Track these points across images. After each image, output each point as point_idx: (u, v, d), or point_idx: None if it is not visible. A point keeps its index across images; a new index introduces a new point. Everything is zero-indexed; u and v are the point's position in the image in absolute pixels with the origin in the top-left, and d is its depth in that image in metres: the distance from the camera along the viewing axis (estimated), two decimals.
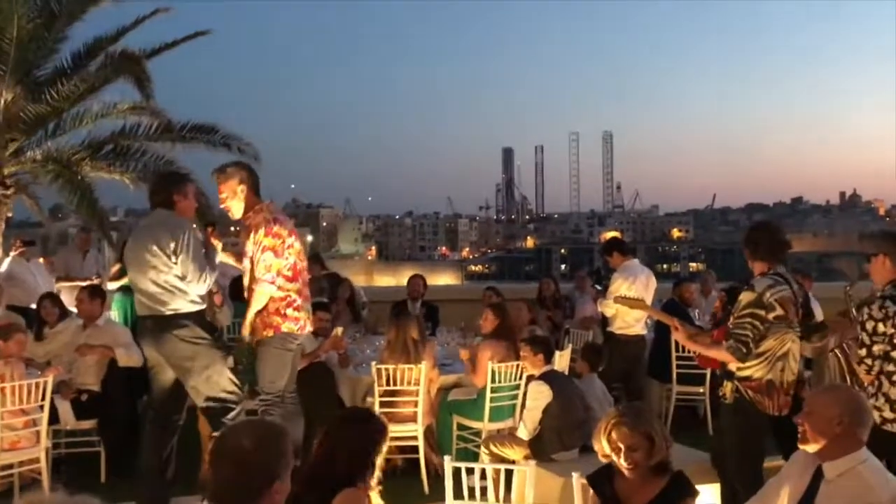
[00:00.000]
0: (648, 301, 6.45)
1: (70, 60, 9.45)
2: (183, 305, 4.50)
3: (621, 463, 2.98)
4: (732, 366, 4.14)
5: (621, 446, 2.97)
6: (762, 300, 4.04)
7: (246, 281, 4.85)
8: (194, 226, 4.66)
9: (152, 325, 4.56)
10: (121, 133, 9.61)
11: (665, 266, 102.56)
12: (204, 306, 4.67)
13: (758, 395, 4.08)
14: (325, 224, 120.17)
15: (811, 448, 2.94)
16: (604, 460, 3.10)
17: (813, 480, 2.94)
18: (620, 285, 6.67)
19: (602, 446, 3.05)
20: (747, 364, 4.08)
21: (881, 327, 3.94)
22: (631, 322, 6.80)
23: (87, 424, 5.72)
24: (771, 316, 4.03)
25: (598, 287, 8.07)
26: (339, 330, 5.99)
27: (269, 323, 4.73)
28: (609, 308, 6.74)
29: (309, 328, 4.94)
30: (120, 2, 9.40)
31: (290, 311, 4.74)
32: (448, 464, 3.71)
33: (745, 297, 4.12)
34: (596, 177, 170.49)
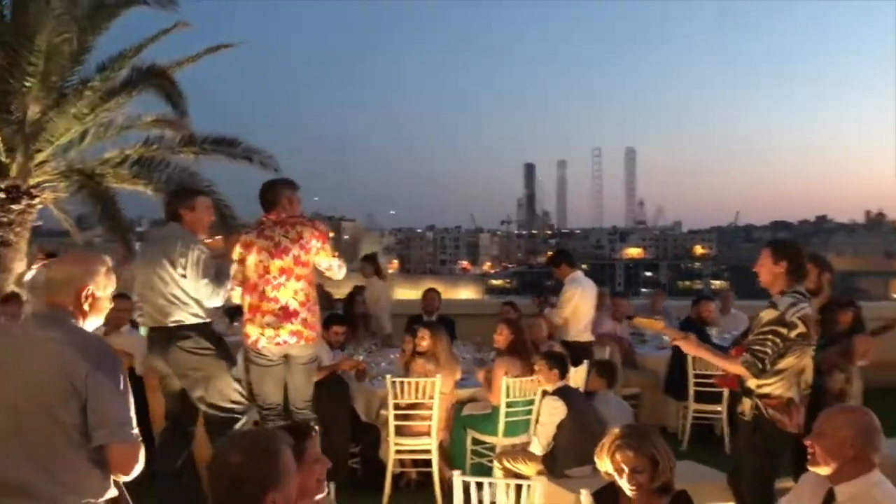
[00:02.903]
0: (591, 310, 7.16)
1: (95, 72, 9.59)
2: (186, 318, 4.56)
3: (625, 484, 2.96)
4: (752, 383, 4.10)
5: (625, 468, 2.94)
6: (784, 318, 4.01)
7: None
8: (202, 238, 4.70)
9: (158, 337, 4.64)
10: (144, 145, 9.74)
11: (688, 283, 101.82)
12: (209, 319, 4.72)
13: (777, 412, 4.05)
14: (346, 237, 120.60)
15: (822, 470, 2.91)
16: (606, 478, 3.09)
17: (824, 503, 2.91)
18: (573, 295, 7.06)
19: (605, 465, 3.03)
20: (767, 381, 4.05)
21: None
22: (581, 330, 7.13)
23: None
24: (793, 334, 4.00)
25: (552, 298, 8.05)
26: (360, 361, 6.13)
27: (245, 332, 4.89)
28: (558, 317, 7.09)
29: (264, 344, 4.81)
30: (144, 6, 9.43)
31: (247, 326, 4.86)
32: (457, 478, 3.71)
33: (767, 314, 4.09)
34: (618, 193, 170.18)
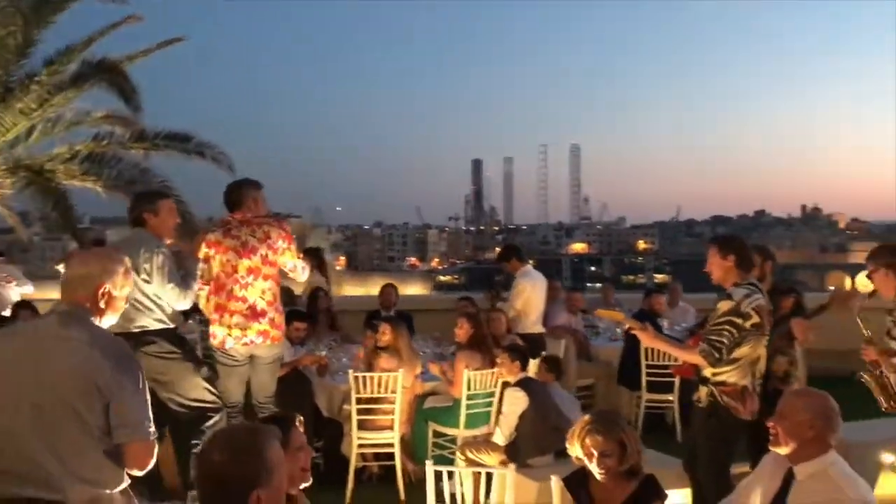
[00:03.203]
0: (542, 303, 7.35)
1: (42, 66, 9.37)
2: (151, 323, 4.55)
3: (594, 468, 3.09)
4: (708, 372, 4.28)
5: (594, 452, 3.08)
6: (740, 309, 4.19)
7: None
8: (167, 241, 4.70)
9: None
10: (94, 140, 9.56)
11: (631, 277, 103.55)
12: (173, 325, 4.71)
13: (732, 399, 4.22)
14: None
15: (783, 450, 3.08)
16: (577, 463, 3.21)
17: (784, 481, 3.08)
18: (524, 288, 7.25)
19: (575, 450, 3.16)
20: (723, 370, 4.22)
21: None
22: (533, 322, 7.31)
23: None
24: (748, 324, 4.18)
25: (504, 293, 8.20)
26: (322, 356, 6.15)
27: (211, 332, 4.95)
28: (511, 310, 7.21)
29: (231, 344, 4.88)
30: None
31: (213, 326, 4.91)
32: (430, 468, 3.79)
33: (723, 305, 4.27)
34: (564, 188, 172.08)
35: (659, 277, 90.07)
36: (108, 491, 2.59)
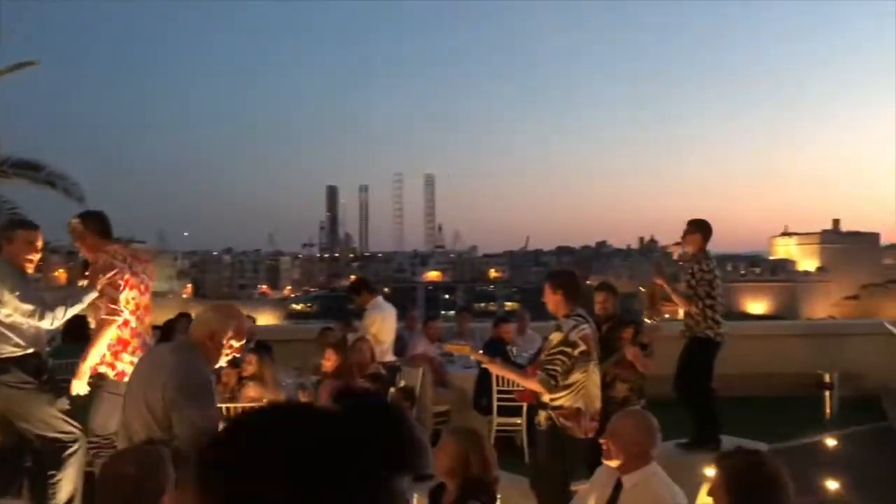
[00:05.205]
0: (392, 332, 7.80)
1: None
2: (4, 349, 4.51)
3: (448, 482, 3.44)
4: (546, 397, 4.75)
5: (452, 467, 3.44)
6: (568, 339, 4.69)
7: (92, 321, 4.94)
8: (26, 270, 4.71)
9: None
10: None
11: (483, 304, 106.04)
12: (31, 349, 4.68)
13: (567, 421, 4.70)
14: None
15: (613, 463, 3.57)
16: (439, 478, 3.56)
17: (614, 490, 3.57)
18: (374, 320, 7.60)
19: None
20: (559, 395, 4.71)
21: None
22: (385, 351, 7.67)
23: None
24: (576, 352, 4.68)
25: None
26: None
27: (110, 362, 4.85)
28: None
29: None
30: None
31: (117, 359, 4.90)
32: None
33: (555, 336, 4.77)
34: (419, 217, 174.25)
35: (509, 305, 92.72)
36: None
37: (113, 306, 4.77)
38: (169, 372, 3.18)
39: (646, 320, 6.83)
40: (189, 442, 2.99)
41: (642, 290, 7.12)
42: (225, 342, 3.30)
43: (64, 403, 4.87)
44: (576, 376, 4.68)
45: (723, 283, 6.73)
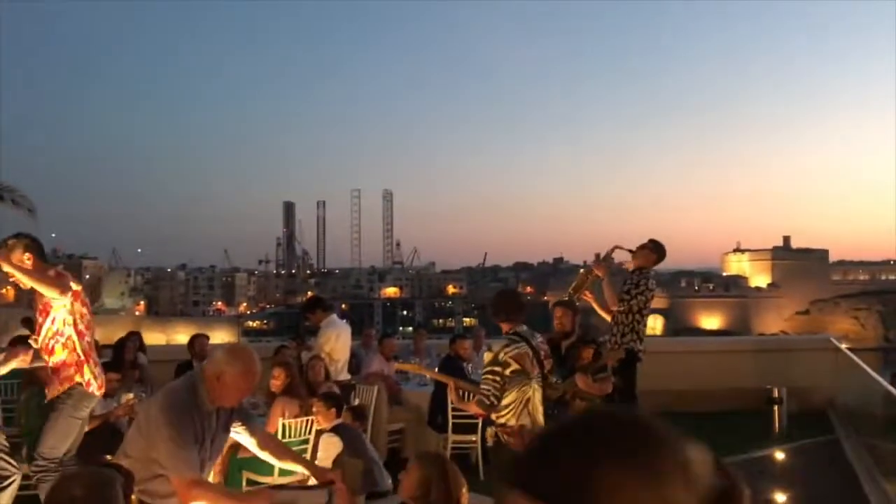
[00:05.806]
0: (347, 351, 7.77)
1: None
2: None
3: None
4: (493, 415, 4.79)
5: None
6: (498, 358, 4.74)
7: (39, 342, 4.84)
8: None
9: None
10: None
11: (441, 321, 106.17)
12: None
13: (511, 438, 4.74)
14: (87, 277, 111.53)
15: None
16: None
17: None
18: (329, 338, 7.56)
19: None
20: (501, 413, 4.75)
21: None
22: (339, 369, 7.67)
23: None
24: (507, 371, 4.71)
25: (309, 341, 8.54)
26: (129, 396, 6.00)
27: (67, 376, 4.78)
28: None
29: (94, 389, 4.96)
30: None
31: (82, 369, 4.84)
32: None
33: (486, 356, 4.85)
34: (377, 233, 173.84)
35: (468, 321, 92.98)
36: None
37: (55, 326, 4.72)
38: (163, 392, 3.58)
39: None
40: (167, 465, 3.26)
41: (581, 271, 7.38)
42: (230, 383, 3.49)
43: (1, 442, 4.78)
44: (513, 395, 4.70)
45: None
